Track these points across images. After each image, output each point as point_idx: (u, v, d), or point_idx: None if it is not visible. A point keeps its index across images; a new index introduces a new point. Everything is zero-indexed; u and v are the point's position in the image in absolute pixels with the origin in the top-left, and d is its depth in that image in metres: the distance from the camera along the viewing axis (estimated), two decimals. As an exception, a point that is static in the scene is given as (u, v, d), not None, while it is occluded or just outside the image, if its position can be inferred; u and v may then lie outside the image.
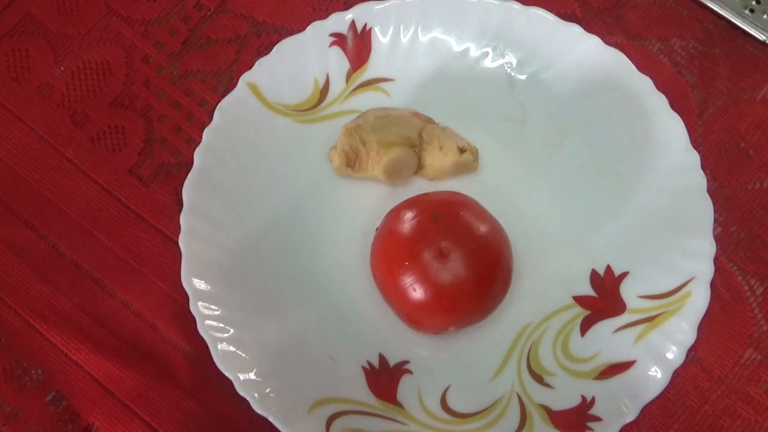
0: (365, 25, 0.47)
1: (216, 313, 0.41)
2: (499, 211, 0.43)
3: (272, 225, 0.45)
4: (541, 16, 0.46)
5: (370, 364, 0.43)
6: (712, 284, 0.42)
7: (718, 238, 0.43)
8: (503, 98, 0.47)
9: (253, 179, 0.45)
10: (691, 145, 0.44)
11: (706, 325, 0.42)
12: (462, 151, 0.45)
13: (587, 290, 0.44)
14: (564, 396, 0.41)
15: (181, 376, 0.44)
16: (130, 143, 0.48)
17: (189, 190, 0.44)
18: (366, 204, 0.46)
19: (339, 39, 0.47)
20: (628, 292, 0.43)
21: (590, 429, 0.40)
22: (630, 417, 0.40)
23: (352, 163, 0.45)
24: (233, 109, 0.45)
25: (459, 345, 0.43)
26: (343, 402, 0.41)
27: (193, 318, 0.41)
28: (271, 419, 0.39)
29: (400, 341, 0.43)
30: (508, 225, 0.43)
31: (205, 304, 0.41)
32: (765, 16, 0.49)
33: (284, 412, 0.40)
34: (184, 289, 0.42)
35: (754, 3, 0.49)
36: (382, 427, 0.41)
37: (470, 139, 0.46)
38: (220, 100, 0.46)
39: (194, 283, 0.42)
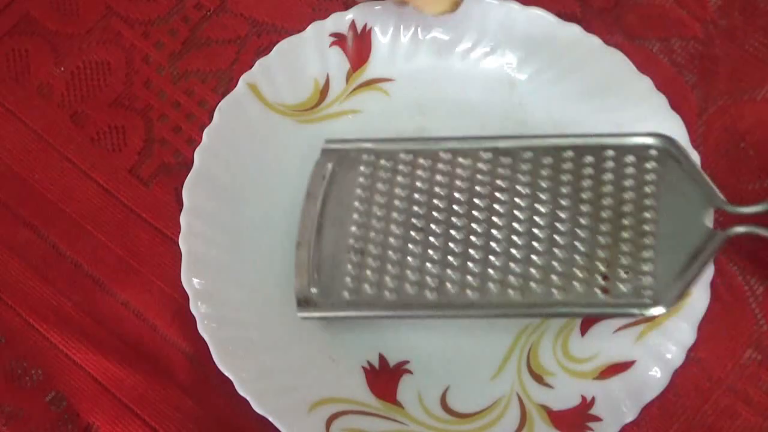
0: (365, 25, 0.47)
1: (216, 313, 0.41)
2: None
3: (272, 225, 0.45)
4: (541, 16, 0.46)
5: (370, 364, 0.43)
6: (712, 284, 0.42)
7: (718, 238, 0.43)
8: (503, 98, 0.47)
9: (253, 179, 0.45)
10: (691, 145, 0.44)
11: (706, 325, 0.42)
12: None
13: (587, 290, 0.44)
14: (564, 396, 0.41)
15: (181, 376, 0.44)
16: (130, 143, 0.48)
17: (189, 190, 0.43)
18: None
19: (339, 39, 0.47)
20: (628, 292, 0.43)
21: (590, 429, 0.40)
22: (630, 417, 0.40)
23: None
24: (233, 109, 0.45)
25: (459, 345, 0.43)
26: (343, 402, 0.41)
27: (193, 318, 0.41)
28: (271, 419, 0.39)
29: (400, 341, 0.43)
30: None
31: (205, 304, 0.41)
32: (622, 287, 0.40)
33: (284, 412, 0.40)
34: (184, 289, 0.42)
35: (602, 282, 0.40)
36: (382, 427, 0.41)
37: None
38: (220, 100, 0.46)
39: (194, 283, 0.42)
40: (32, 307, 0.45)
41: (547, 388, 0.42)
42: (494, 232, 0.41)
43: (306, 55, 0.47)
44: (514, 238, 0.41)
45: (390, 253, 0.41)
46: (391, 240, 0.42)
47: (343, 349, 0.43)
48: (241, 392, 0.40)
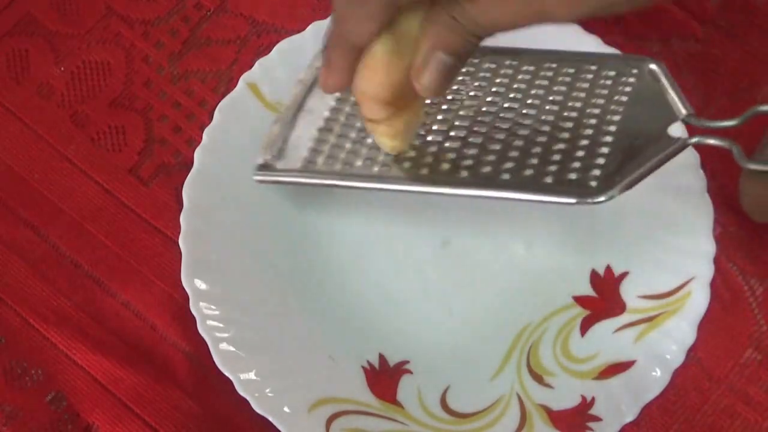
0: (365, 25, 0.47)
1: (216, 313, 0.41)
2: (498, 209, 0.43)
3: (272, 224, 0.45)
4: (541, 15, 0.46)
5: (370, 364, 0.43)
6: (712, 284, 0.42)
7: (718, 238, 0.43)
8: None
9: (253, 179, 0.45)
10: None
11: (706, 325, 0.42)
12: None
13: (587, 290, 0.44)
14: (564, 396, 0.41)
15: (181, 376, 0.44)
16: (130, 143, 0.48)
17: (189, 190, 0.44)
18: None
19: (339, 39, 0.47)
20: (628, 292, 0.43)
21: (590, 429, 0.40)
22: (630, 417, 0.40)
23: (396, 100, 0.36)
24: (233, 109, 0.45)
25: (459, 345, 0.43)
26: (343, 402, 0.41)
27: (193, 318, 0.41)
28: (271, 419, 0.39)
29: (400, 341, 0.43)
30: (508, 224, 0.43)
31: (205, 304, 0.41)
32: None
33: (284, 412, 0.40)
34: (184, 289, 0.42)
35: None
36: (382, 427, 0.41)
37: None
38: (220, 100, 0.46)
39: (194, 283, 0.42)
40: (32, 307, 0.45)
41: (547, 388, 0.42)
42: (457, 122, 0.42)
43: (306, 55, 0.47)
44: (475, 127, 0.41)
45: (352, 133, 0.42)
46: (357, 123, 0.43)
47: (343, 349, 0.43)
48: (241, 392, 0.40)
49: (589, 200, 0.38)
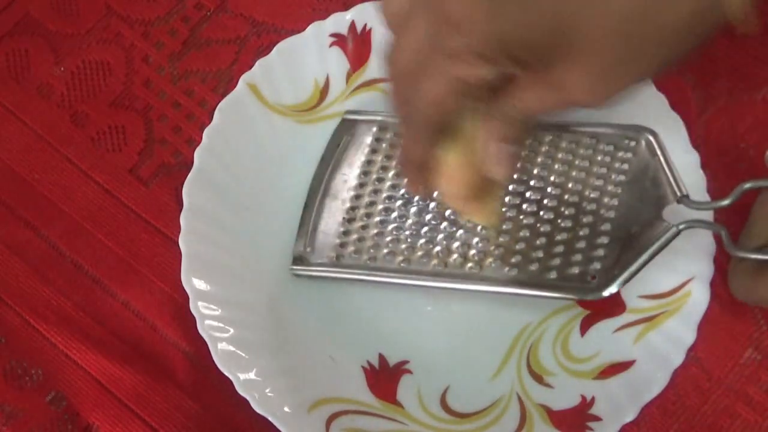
0: (365, 25, 0.47)
1: (216, 313, 0.41)
2: (499, 211, 0.43)
3: (272, 224, 0.45)
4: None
5: (370, 364, 0.43)
6: (712, 284, 0.42)
7: (718, 238, 0.43)
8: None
9: (253, 179, 0.45)
10: (691, 145, 0.44)
11: (706, 325, 0.42)
12: None
13: (587, 290, 0.44)
14: (564, 396, 0.41)
15: (181, 376, 0.44)
16: (130, 143, 0.48)
17: (189, 190, 0.44)
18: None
19: (339, 39, 0.47)
20: (628, 292, 0.43)
21: (590, 429, 0.40)
22: (630, 417, 0.40)
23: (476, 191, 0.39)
24: (233, 110, 0.45)
25: (459, 345, 0.43)
26: (343, 402, 0.41)
27: (193, 318, 0.41)
28: (271, 419, 0.39)
29: (400, 341, 0.43)
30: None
31: (205, 304, 0.41)
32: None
33: (284, 412, 0.40)
34: (184, 289, 0.42)
35: None
36: (382, 427, 0.41)
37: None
38: (220, 100, 0.46)
39: (194, 283, 0.42)
40: (32, 307, 0.45)
41: (547, 388, 0.42)
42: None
43: (306, 55, 0.47)
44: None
45: (375, 221, 0.44)
46: (378, 210, 0.44)
47: (343, 349, 0.43)
48: (241, 392, 0.40)
49: (590, 297, 0.39)
